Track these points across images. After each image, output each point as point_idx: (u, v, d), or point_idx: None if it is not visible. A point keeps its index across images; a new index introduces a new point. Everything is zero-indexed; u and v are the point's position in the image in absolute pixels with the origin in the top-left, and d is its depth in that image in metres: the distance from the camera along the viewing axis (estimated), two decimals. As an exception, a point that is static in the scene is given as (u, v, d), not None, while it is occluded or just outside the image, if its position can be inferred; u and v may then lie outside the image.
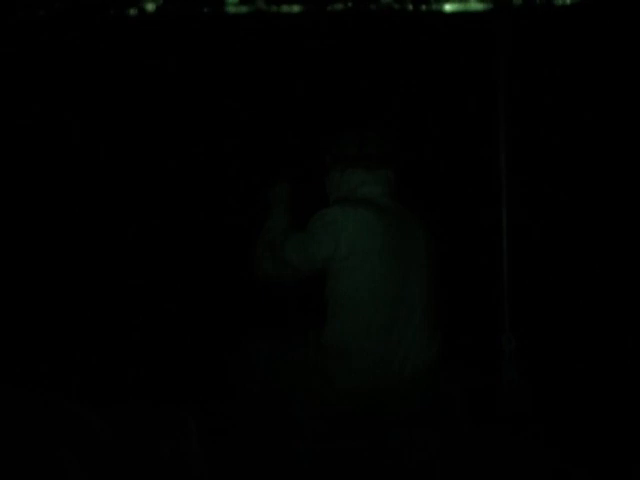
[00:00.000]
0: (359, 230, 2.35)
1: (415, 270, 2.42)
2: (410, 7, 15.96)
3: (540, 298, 3.69)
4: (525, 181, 2.48)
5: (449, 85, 7.75)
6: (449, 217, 4.39)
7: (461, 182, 5.30)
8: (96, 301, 3.85)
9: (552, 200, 4.96)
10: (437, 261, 2.51)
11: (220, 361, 2.67)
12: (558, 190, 5.13)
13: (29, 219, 4.84)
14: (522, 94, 2.45)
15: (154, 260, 4.32)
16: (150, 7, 15.62)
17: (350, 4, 16.06)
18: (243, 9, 15.91)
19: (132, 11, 15.51)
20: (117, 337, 3.47)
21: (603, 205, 4.94)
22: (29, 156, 6.03)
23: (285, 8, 16.23)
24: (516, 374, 2.32)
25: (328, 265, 2.38)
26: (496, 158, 2.35)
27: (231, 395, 2.52)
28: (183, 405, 2.32)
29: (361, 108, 6.48)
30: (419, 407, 2.36)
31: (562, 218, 4.78)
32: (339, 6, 16.01)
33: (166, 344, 3.39)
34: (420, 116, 6.57)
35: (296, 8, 16.14)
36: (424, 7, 15.92)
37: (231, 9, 15.94)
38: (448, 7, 15.96)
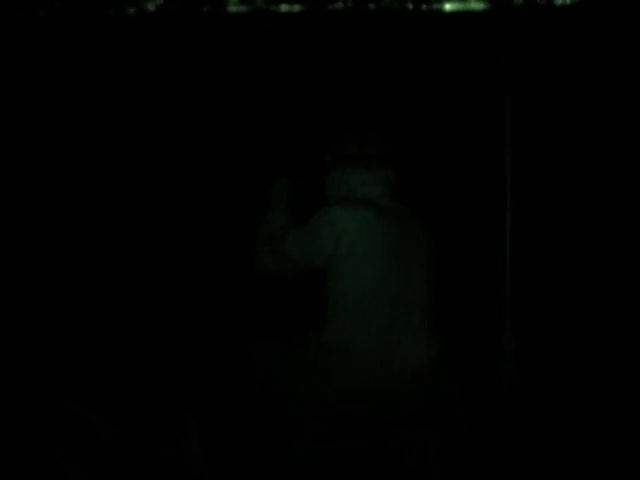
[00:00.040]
0: (359, 230, 2.34)
1: (415, 270, 2.42)
2: (410, 6, 15.97)
3: (541, 298, 3.69)
4: (528, 181, 2.48)
5: (449, 84, 7.74)
6: (450, 217, 4.39)
7: (462, 182, 5.30)
8: (96, 301, 3.85)
9: (555, 200, 4.96)
10: (437, 261, 2.51)
11: (220, 361, 2.68)
12: (561, 190, 5.13)
13: (29, 219, 4.84)
14: (524, 93, 2.44)
15: (154, 260, 4.32)
16: (150, 6, 15.63)
17: (350, 3, 16.07)
18: (243, 8, 15.91)
19: (132, 10, 15.51)
20: (117, 337, 3.47)
21: (606, 205, 4.94)
22: (29, 155, 6.03)
23: (285, 7, 16.24)
24: (516, 374, 2.31)
25: (328, 264, 2.38)
26: (497, 157, 2.35)
27: (231, 395, 2.52)
28: (183, 405, 2.32)
29: (361, 107, 6.48)
30: (419, 407, 2.36)
31: (565, 218, 4.78)
32: (339, 5, 16.02)
33: (166, 344, 3.40)
34: (420, 116, 6.57)
35: (296, 7, 16.15)
36: (424, 6, 15.92)
37: (231, 8, 15.94)
38: (448, 6, 15.96)
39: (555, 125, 6.14)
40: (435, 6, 15.90)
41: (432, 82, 7.93)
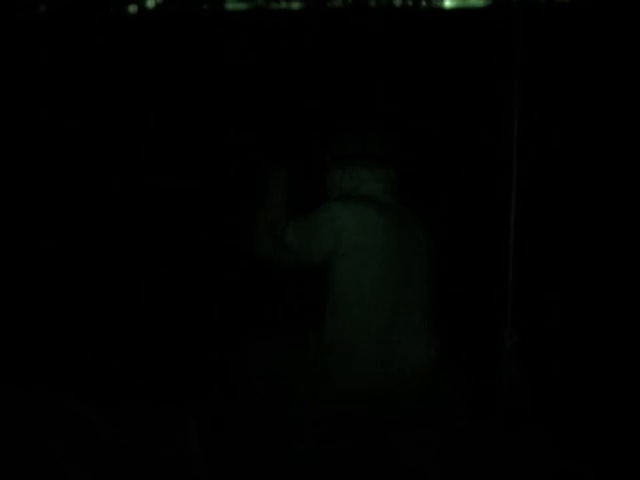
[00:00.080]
0: (361, 227, 2.34)
1: (415, 270, 2.41)
2: (410, 3, 15.95)
3: (544, 294, 3.69)
4: (530, 176, 2.47)
5: (449, 82, 7.73)
6: (451, 212, 4.38)
7: (463, 179, 5.29)
8: (96, 301, 3.85)
9: (558, 195, 4.95)
10: (437, 260, 2.50)
11: (220, 361, 2.68)
12: (564, 184, 5.12)
13: (29, 219, 4.84)
14: (532, 88, 2.43)
15: (155, 260, 4.32)
16: (150, 4, 15.62)
17: (350, 0, 16.05)
18: (242, 6, 15.89)
19: (132, 8, 15.50)
20: (117, 337, 3.47)
21: (610, 200, 4.93)
22: (29, 153, 6.03)
23: (284, 4, 16.22)
24: (516, 369, 2.31)
25: (329, 260, 2.37)
26: (500, 153, 2.35)
27: (231, 395, 2.52)
28: (183, 405, 2.32)
29: (361, 105, 6.47)
30: (419, 407, 2.36)
31: (568, 213, 4.77)
32: (339, 2, 15.99)
33: (166, 344, 3.40)
34: (420, 113, 6.56)
35: (296, 5, 16.13)
36: (424, 3, 15.91)
37: (230, 6, 15.92)
38: (448, 3, 15.94)
39: (559, 121, 6.12)
40: (435, 3, 15.89)
41: (432, 79, 7.92)
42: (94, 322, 3.59)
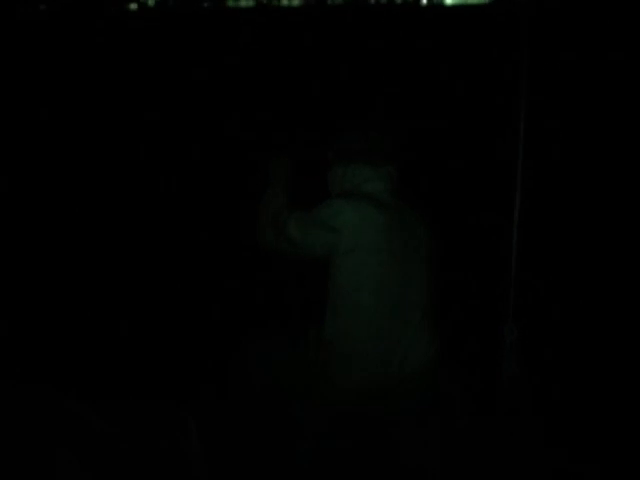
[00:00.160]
0: (362, 225, 2.33)
1: (416, 268, 2.41)
2: (411, 0, 15.96)
3: (545, 291, 3.69)
4: (534, 175, 2.47)
5: (450, 80, 7.73)
6: (451, 211, 4.38)
7: (465, 175, 5.29)
8: (96, 300, 3.85)
9: (561, 192, 4.95)
10: (437, 259, 2.50)
11: (220, 361, 2.67)
12: (567, 181, 5.12)
13: (29, 219, 4.84)
14: (538, 87, 2.43)
15: (155, 259, 4.32)
16: (150, 2, 15.63)
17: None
18: (243, 3, 15.89)
19: (132, 6, 15.51)
20: (117, 336, 3.47)
21: (613, 198, 4.93)
22: (28, 152, 6.03)
23: (285, 1, 16.22)
24: (516, 365, 2.31)
25: (330, 257, 2.36)
26: (503, 151, 2.34)
27: (231, 395, 2.52)
28: (183, 405, 2.31)
29: (362, 102, 6.47)
30: (419, 406, 2.36)
31: (571, 210, 4.77)
32: (340, 0, 16.00)
33: (166, 344, 3.39)
34: (421, 111, 6.55)
35: (296, 1, 16.13)
36: (425, 0, 15.91)
37: (231, 3, 15.93)
38: (449, 0, 15.95)
39: (566, 119, 6.10)
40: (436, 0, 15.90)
41: (432, 76, 7.91)
42: (94, 322, 3.59)
